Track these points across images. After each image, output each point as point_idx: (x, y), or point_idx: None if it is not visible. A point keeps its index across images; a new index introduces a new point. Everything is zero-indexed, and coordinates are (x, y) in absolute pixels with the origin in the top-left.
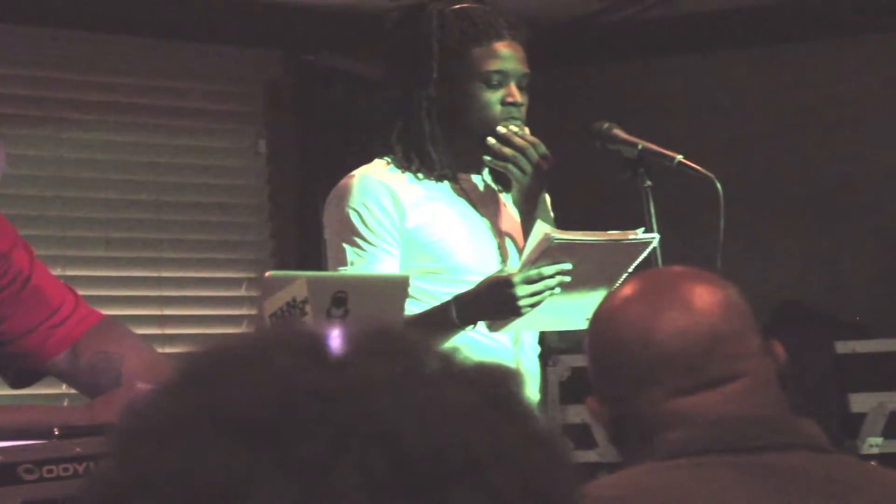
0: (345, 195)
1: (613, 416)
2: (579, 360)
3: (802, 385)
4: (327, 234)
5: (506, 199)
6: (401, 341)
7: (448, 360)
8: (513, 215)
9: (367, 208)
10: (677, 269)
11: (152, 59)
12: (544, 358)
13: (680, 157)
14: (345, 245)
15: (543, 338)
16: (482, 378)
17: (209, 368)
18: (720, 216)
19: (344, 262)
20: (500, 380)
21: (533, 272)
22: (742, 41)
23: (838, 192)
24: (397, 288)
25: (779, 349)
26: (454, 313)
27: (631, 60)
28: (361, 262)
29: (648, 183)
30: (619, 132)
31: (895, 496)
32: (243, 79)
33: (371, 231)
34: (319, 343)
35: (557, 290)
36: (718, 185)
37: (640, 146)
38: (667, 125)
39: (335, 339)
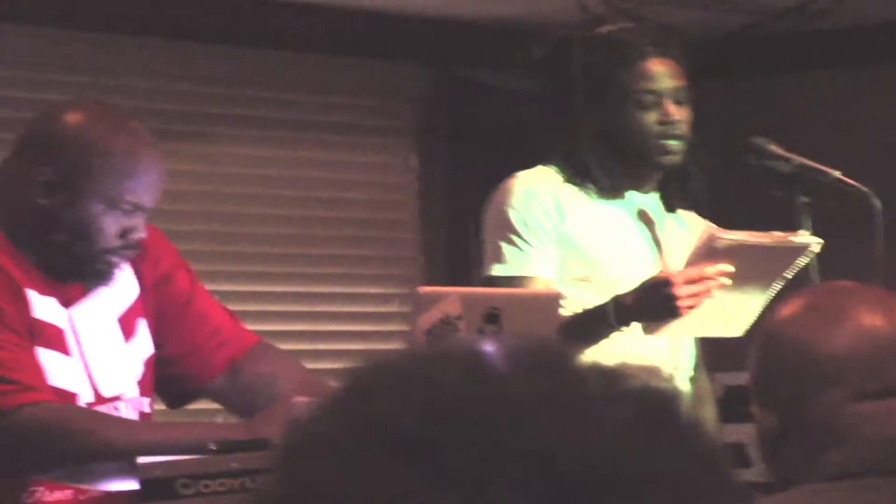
0: (507, 195)
1: (782, 424)
2: (734, 379)
3: None
4: (485, 234)
5: (676, 221)
6: (561, 358)
7: (609, 377)
8: (678, 236)
9: (528, 209)
10: (849, 283)
11: (302, 73)
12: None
13: (837, 174)
14: (501, 243)
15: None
16: (644, 397)
17: (370, 384)
18: (878, 232)
19: (500, 260)
20: (663, 399)
21: (693, 272)
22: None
23: None
24: (549, 304)
25: None
26: (611, 313)
27: (785, 74)
28: (516, 261)
29: (804, 199)
30: (775, 147)
31: None
32: (394, 93)
33: (530, 230)
34: (479, 359)
35: (716, 292)
36: (877, 202)
37: (795, 162)
38: (823, 139)
39: (495, 354)
